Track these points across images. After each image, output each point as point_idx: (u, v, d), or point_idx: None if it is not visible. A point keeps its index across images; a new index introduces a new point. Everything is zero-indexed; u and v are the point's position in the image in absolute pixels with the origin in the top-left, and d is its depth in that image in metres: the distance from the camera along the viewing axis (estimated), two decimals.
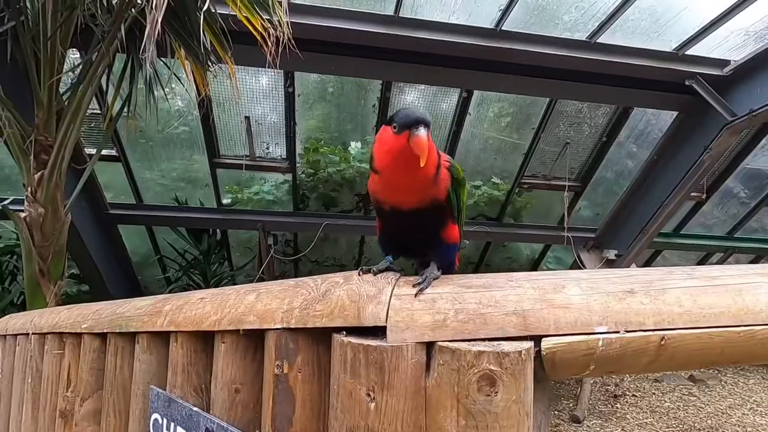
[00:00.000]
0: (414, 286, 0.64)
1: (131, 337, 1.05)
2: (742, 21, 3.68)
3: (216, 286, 5.61)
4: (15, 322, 2.03)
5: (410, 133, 0.74)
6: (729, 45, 3.93)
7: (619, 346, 0.55)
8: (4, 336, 2.08)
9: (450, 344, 0.54)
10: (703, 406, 5.62)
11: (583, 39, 3.80)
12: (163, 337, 0.96)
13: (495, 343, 0.54)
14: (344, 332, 0.61)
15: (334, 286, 0.67)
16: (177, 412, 0.86)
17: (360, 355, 0.57)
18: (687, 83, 4.03)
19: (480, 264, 6.19)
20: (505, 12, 3.54)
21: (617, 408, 5.53)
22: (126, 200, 4.99)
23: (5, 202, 3.57)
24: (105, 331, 1.13)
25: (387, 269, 0.73)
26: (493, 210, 5.41)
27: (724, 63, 4.01)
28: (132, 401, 1.01)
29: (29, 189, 2.96)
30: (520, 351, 0.52)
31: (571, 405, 5.47)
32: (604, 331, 0.56)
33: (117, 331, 1.08)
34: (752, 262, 6.61)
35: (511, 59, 3.83)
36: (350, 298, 0.62)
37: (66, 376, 1.26)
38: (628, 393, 5.74)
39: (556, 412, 5.32)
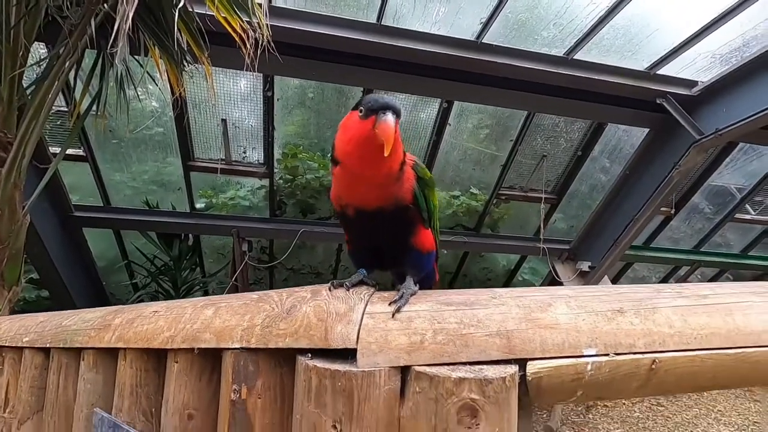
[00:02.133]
0: (390, 303, 0.58)
1: (76, 353, 0.94)
2: (709, 44, 3.85)
3: (187, 293, 5.40)
4: None
5: (376, 118, 0.69)
6: (697, 66, 4.11)
7: (608, 370, 0.51)
8: None
9: (428, 369, 0.48)
10: (671, 416, 5.76)
11: (561, 55, 3.89)
12: (111, 354, 0.86)
13: (477, 367, 0.49)
14: (309, 354, 0.55)
15: (301, 301, 0.60)
16: None
17: (326, 382, 0.50)
18: (658, 101, 4.18)
19: (457, 274, 6.20)
20: (486, 25, 3.58)
21: (590, 418, 5.59)
22: (93, 202, 4.76)
23: None
24: (48, 345, 1.01)
25: (360, 283, 0.66)
26: (471, 220, 5.44)
27: (692, 83, 4.17)
28: (74, 425, 0.90)
29: None
30: (504, 377, 0.47)
31: (544, 416, 5.49)
32: (593, 353, 0.51)
33: (61, 346, 0.96)
34: (716, 275, 6.88)
35: (490, 71, 3.87)
36: (317, 316, 0.56)
37: (4, 395, 1.13)
38: (599, 403, 5.81)
39: None
